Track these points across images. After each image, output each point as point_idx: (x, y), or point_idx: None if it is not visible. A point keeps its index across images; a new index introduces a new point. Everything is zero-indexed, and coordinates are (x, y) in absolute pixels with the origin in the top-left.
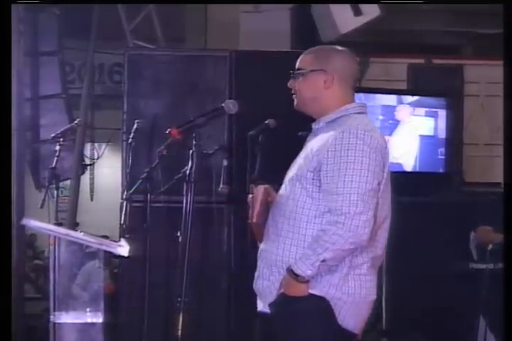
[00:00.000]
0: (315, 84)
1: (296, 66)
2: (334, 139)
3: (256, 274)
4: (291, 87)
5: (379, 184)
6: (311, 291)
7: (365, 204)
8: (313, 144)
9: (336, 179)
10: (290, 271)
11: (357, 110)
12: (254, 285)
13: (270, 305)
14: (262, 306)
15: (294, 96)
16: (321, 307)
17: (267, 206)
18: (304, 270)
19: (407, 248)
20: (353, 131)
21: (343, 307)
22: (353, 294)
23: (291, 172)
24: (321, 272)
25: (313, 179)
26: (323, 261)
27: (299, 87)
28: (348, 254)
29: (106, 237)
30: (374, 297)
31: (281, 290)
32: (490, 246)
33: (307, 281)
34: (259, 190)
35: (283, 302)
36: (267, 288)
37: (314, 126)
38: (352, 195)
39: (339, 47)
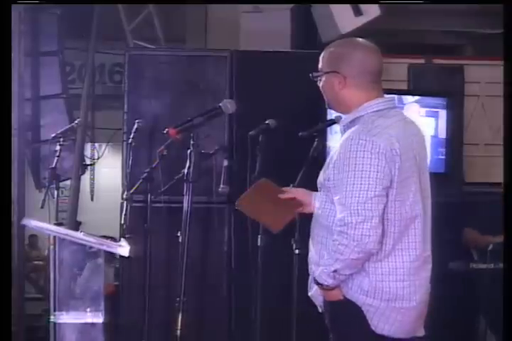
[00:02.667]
0: (331, 86)
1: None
2: (340, 147)
3: (309, 279)
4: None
5: (388, 188)
6: (345, 295)
7: (367, 213)
8: (336, 148)
9: (339, 189)
10: (315, 281)
11: (375, 108)
12: (309, 293)
13: (322, 306)
14: (319, 308)
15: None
16: (354, 312)
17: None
18: (325, 279)
19: None
20: (355, 137)
21: (375, 313)
22: (386, 300)
23: (319, 176)
24: (343, 280)
25: (330, 187)
26: (335, 271)
27: (322, 88)
28: (361, 262)
29: (106, 237)
30: (417, 302)
31: None
32: (490, 246)
33: (335, 288)
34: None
35: (326, 306)
36: (315, 292)
37: (340, 125)
38: (353, 205)
39: (357, 41)
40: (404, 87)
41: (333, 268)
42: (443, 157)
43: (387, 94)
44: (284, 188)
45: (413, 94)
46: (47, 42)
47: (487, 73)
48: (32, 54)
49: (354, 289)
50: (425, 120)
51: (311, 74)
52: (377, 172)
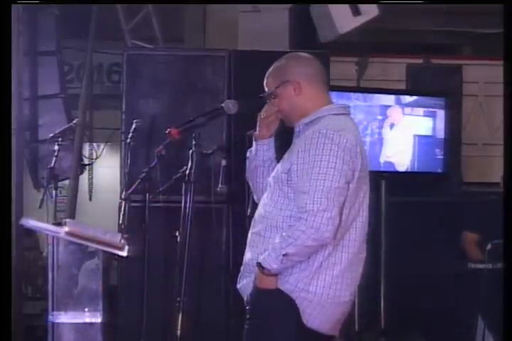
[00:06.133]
0: (287, 96)
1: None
2: (305, 140)
3: (239, 275)
4: (276, 111)
5: (348, 183)
6: (279, 287)
7: (328, 202)
8: (291, 146)
9: (304, 178)
10: (258, 264)
11: (335, 111)
12: (237, 286)
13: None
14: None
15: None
16: (287, 304)
17: None
18: (270, 263)
19: (405, 247)
20: (322, 131)
21: (308, 306)
22: (320, 294)
23: (271, 174)
24: (287, 267)
25: (287, 180)
26: (285, 255)
27: (278, 106)
28: (312, 251)
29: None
30: (347, 298)
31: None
32: (489, 246)
33: (275, 275)
34: None
35: (254, 294)
36: (246, 285)
37: (296, 128)
38: (316, 193)
39: (299, 54)
40: (402, 86)
41: (284, 252)
42: (441, 157)
43: (386, 94)
44: None
45: (411, 94)
46: (45, 42)
47: (486, 73)
48: (30, 53)
49: (290, 281)
50: (423, 120)
51: (261, 96)
52: (343, 164)
